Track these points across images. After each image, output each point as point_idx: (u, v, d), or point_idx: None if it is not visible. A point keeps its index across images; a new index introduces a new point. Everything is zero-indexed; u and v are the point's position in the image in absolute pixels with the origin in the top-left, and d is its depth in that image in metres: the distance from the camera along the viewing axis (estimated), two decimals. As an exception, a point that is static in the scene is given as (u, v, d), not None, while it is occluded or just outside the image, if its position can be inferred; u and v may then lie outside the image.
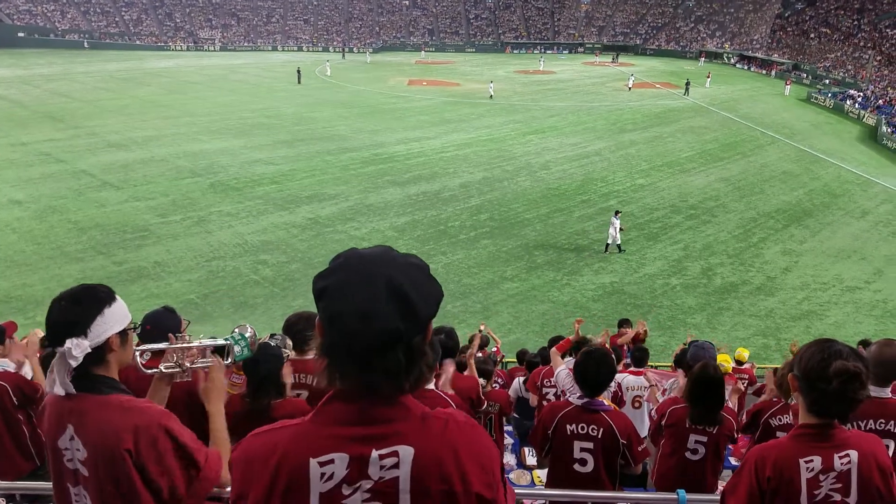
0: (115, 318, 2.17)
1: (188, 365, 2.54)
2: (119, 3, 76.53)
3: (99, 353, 2.13)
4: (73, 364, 2.04)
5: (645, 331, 8.55)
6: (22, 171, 23.06)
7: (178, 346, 2.53)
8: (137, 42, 72.51)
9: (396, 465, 1.32)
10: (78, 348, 2.04)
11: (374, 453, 1.31)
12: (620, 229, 17.09)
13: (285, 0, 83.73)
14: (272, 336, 3.60)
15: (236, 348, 2.65)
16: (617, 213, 17.48)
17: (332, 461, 1.31)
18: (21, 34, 66.97)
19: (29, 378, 4.64)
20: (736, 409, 5.71)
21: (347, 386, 1.34)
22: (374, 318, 1.26)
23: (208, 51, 73.14)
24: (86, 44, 68.73)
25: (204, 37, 76.21)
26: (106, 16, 74.60)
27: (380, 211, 20.20)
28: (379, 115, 35.68)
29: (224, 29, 78.11)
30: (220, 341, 2.64)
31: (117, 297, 2.21)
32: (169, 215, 19.24)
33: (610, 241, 17.21)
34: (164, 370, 2.49)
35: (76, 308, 2.11)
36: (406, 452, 1.31)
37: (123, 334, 2.22)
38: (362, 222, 19.18)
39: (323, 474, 1.31)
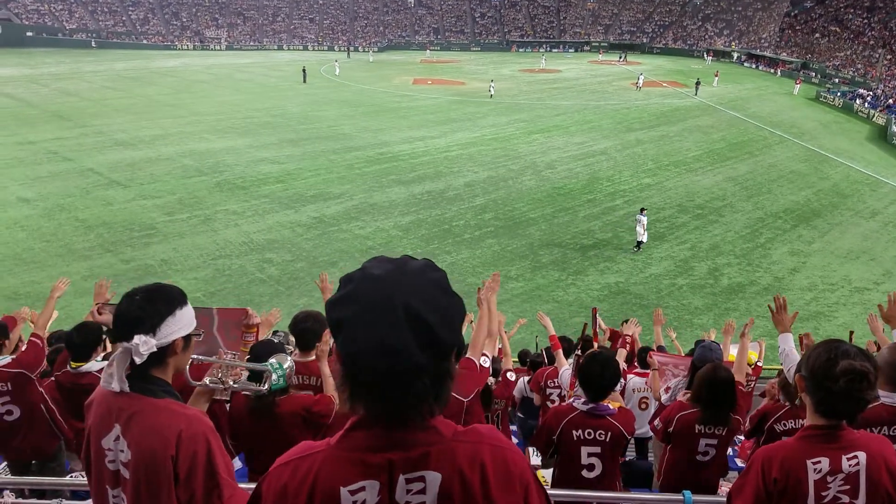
0: (185, 321, 2.15)
1: (231, 383, 2.53)
2: (126, 2, 76.89)
3: (161, 355, 2.09)
4: (138, 361, 2.01)
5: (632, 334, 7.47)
6: (30, 170, 23.21)
7: (226, 362, 2.53)
8: (144, 41, 72.82)
9: (423, 491, 1.29)
10: (145, 345, 2.00)
11: (402, 478, 1.29)
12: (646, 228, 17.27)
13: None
14: (275, 333, 3.62)
15: (273, 376, 2.65)
16: (643, 210, 17.60)
17: (362, 489, 1.29)
18: (29, 33, 67.40)
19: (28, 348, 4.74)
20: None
21: (373, 413, 1.30)
22: (396, 354, 1.21)
23: (214, 50, 73.39)
24: (93, 43, 69.09)
25: (210, 36, 76.46)
26: (113, 15, 74.96)
27: (384, 210, 20.20)
28: (384, 114, 35.70)
29: (230, 28, 78.32)
30: (260, 366, 2.64)
31: (188, 301, 2.19)
32: (175, 214, 19.32)
33: (641, 239, 17.33)
34: (209, 384, 2.47)
35: (149, 305, 2.08)
36: (433, 478, 1.29)
37: (187, 339, 2.19)
38: (367, 221, 19.19)
39: (354, 502, 1.29)
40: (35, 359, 4.62)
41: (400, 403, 1.27)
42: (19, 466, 4.87)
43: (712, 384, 4.08)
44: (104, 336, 4.55)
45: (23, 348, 4.82)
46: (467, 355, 3.76)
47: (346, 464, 1.30)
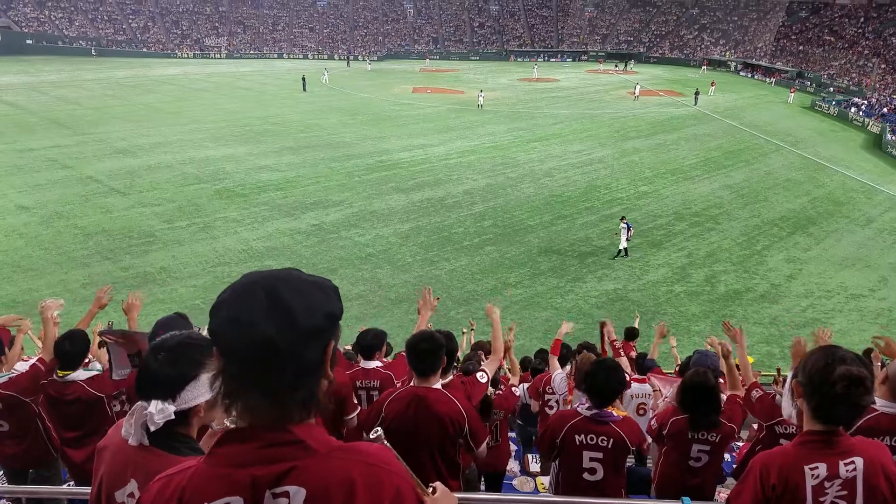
0: (209, 385, 2.08)
1: None
2: (126, 10, 77.16)
3: (182, 417, 1.98)
4: (153, 429, 1.90)
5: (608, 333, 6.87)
6: (29, 177, 23.22)
7: None
8: (144, 49, 73.05)
9: None
10: (161, 414, 1.90)
11: (268, 493, 1.27)
12: (627, 238, 17.35)
13: (291, 8, 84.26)
14: None
15: None
16: (623, 218, 17.84)
17: None
18: (29, 41, 67.57)
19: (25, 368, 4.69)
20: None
21: (240, 416, 1.31)
22: (245, 324, 1.23)
23: (214, 58, 73.64)
24: (93, 51, 69.30)
25: (210, 44, 76.72)
26: (113, 23, 75.19)
27: (384, 217, 20.24)
28: (383, 122, 35.81)
29: (230, 36, 78.60)
30: None
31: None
32: (175, 221, 19.33)
33: (623, 246, 17.44)
34: (229, 425, 2.39)
35: (170, 368, 1.96)
36: (296, 492, 1.27)
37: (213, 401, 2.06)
38: (366, 229, 19.22)
39: None
40: (31, 383, 4.50)
41: (260, 396, 1.27)
42: (16, 475, 4.86)
43: (691, 389, 4.18)
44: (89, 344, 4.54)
45: (25, 364, 4.78)
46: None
47: (213, 479, 1.30)
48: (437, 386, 3.49)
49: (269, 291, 1.26)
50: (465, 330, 9.87)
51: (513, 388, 5.76)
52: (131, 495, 1.96)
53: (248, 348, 1.24)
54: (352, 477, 1.29)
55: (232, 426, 2.38)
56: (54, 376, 4.40)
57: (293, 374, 1.27)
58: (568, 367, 6.37)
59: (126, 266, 16.16)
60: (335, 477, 1.29)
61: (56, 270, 15.75)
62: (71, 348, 4.36)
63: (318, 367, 1.33)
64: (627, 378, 5.20)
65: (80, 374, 4.38)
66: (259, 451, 1.30)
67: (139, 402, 1.94)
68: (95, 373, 4.45)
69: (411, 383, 3.54)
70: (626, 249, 17.50)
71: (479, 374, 4.38)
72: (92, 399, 4.34)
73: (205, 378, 1.99)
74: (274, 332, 1.23)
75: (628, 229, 17.36)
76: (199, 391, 2.00)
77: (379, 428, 2.90)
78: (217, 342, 1.29)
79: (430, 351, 3.41)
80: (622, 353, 6.09)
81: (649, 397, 6.18)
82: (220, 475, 1.30)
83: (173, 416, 1.93)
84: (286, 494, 1.27)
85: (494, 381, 6.07)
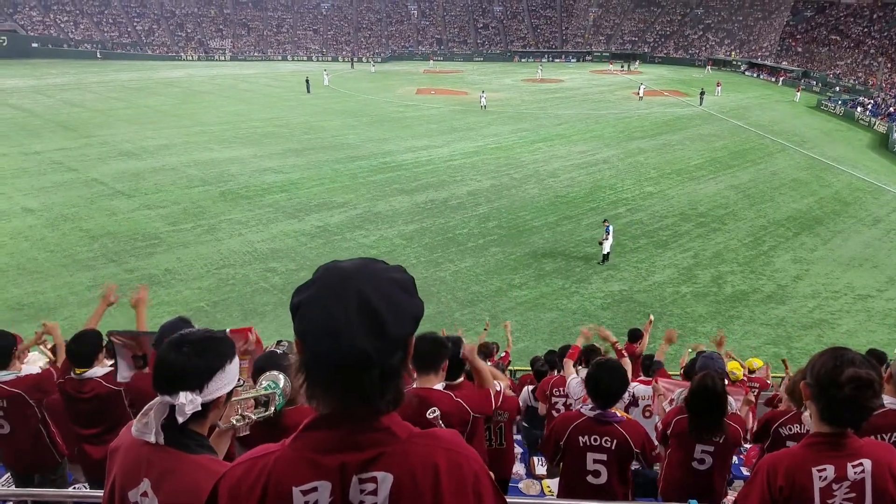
0: (232, 377, 2.03)
1: (252, 417, 2.45)
2: (131, 13, 77.56)
3: (204, 410, 1.96)
4: (181, 420, 1.88)
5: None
6: (35, 180, 23.34)
7: (243, 397, 2.47)
8: (149, 52, 73.41)
9: (374, 492, 1.30)
10: (191, 405, 1.87)
11: (355, 479, 1.29)
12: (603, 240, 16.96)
13: (295, 10, 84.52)
14: (279, 343, 3.61)
15: (278, 399, 2.62)
16: (605, 221, 17.48)
17: (315, 489, 1.30)
18: (35, 45, 67.99)
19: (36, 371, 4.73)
20: (749, 421, 5.67)
21: (325, 406, 1.32)
22: (340, 336, 1.23)
23: (219, 60, 73.90)
24: (98, 54, 69.61)
25: (214, 47, 77.02)
26: (118, 26, 75.59)
27: (388, 219, 20.25)
28: (387, 123, 35.85)
29: (234, 39, 78.89)
30: (262, 391, 2.62)
31: (235, 351, 2.09)
32: (179, 223, 19.39)
33: (606, 251, 17.01)
34: (235, 423, 2.37)
35: (200, 360, 1.94)
36: (384, 478, 1.29)
37: (230, 393, 2.08)
38: (371, 230, 19.24)
39: (306, 502, 1.30)
40: (38, 384, 4.56)
41: (349, 395, 1.29)
42: (22, 479, 4.87)
43: (697, 392, 4.17)
44: (104, 344, 4.55)
45: (37, 368, 4.82)
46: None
47: (300, 464, 1.31)
48: (439, 387, 3.51)
49: (358, 296, 1.26)
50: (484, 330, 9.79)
51: (507, 390, 5.71)
52: (144, 494, 1.94)
53: (340, 359, 1.25)
54: (436, 461, 1.32)
55: (239, 425, 2.39)
56: (72, 374, 4.44)
57: (380, 378, 1.29)
58: (584, 372, 6.35)
59: (131, 268, 16.22)
60: (421, 462, 1.31)
61: (61, 273, 15.81)
62: (77, 349, 4.40)
63: (403, 367, 1.35)
64: (630, 379, 5.19)
65: (97, 371, 4.43)
66: (347, 438, 1.31)
67: (159, 398, 1.91)
68: (110, 369, 4.47)
69: (413, 385, 3.55)
70: (607, 255, 17.03)
71: (495, 383, 4.34)
72: (109, 393, 4.37)
73: (229, 368, 2.01)
74: (368, 345, 1.23)
75: (607, 233, 16.85)
76: (223, 382, 2.00)
77: (436, 408, 2.88)
78: (305, 346, 1.29)
79: (428, 352, 3.42)
80: (624, 355, 6.05)
81: (650, 400, 6.16)
82: (307, 460, 1.32)
83: (200, 408, 1.92)
84: (374, 480, 1.30)
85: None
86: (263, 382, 2.71)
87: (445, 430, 1.44)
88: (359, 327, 1.23)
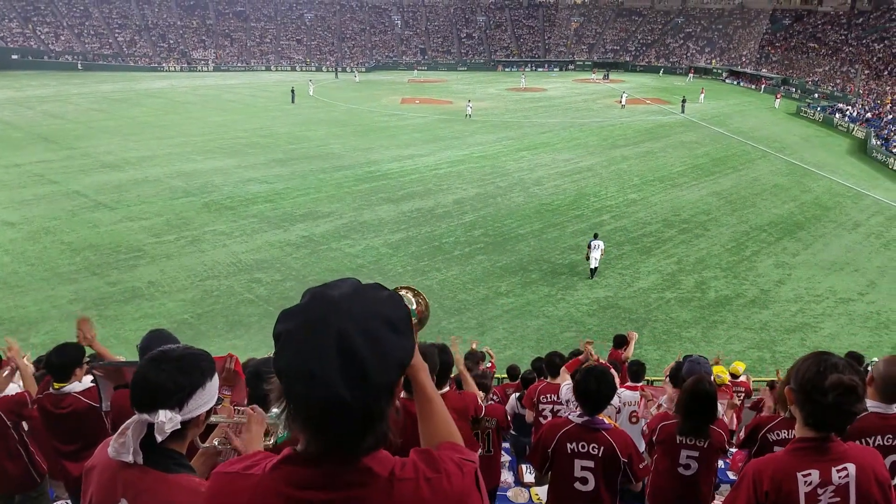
0: (211, 395, 2.00)
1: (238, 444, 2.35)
2: (113, 25, 76.99)
3: (182, 429, 1.92)
4: (160, 438, 1.84)
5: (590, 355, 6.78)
6: (15, 193, 23.01)
7: (235, 420, 2.37)
8: (131, 63, 72.80)
9: None
10: (170, 423, 1.84)
11: None
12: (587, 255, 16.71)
13: (278, 21, 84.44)
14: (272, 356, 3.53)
15: (280, 430, 2.47)
16: (596, 235, 17.15)
17: None
18: (15, 56, 67.17)
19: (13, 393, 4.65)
20: (733, 424, 5.72)
21: (303, 442, 1.27)
22: (315, 380, 1.14)
23: (201, 71, 73.48)
24: (79, 65, 68.93)
25: (197, 57, 76.61)
26: (99, 37, 74.96)
27: (374, 228, 20.21)
28: (373, 133, 35.86)
29: (217, 49, 78.57)
30: (268, 419, 2.45)
31: (215, 368, 2.05)
32: (163, 235, 19.19)
33: (594, 266, 16.68)
34: (218, 446, 2.27)
35: (181, 377, 1.90)
36: None
37: (209, 411, 2.05)
38: (357, 239, 19.18)
39: None
40: (12, 406, 4.51)
41: (325, 437, 1.22)
42: (3, 500, 4.78)
43: (694, 395, 4.21)
44: (86, 359, 4.49)
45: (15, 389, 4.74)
46: None
47: (272, 496, 1.27)
48: None
49: (340, 337, 1.16)
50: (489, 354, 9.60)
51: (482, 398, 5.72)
52: None
53: (317, 403, 1.17)
54: (422, 496, 1.27)
55: (222, 448, 2.32)
56: (50, 389, 4.39)
57: (362, 422, 1.20)
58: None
59: (114, 281, 16.01)
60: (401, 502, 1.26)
61: (43, 286, 15.56)
62: (58, 360, 4.36)
63: (387, 411, 1.25)
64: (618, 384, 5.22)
65: (75, 386, 4.38)
66: (322, 477, 1.26)
67: (137, 416, 1.87)
68: (91, 385, 4.41)
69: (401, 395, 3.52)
70: (594, 270, 16.73)
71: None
72: (86, 409, 4.32)
73: (209, 385, 1.97)
74: (346, 393, 1.14)
75: (589, 246, 16.53)
76: (203, 400, 1.96)
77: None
78: (282, 383, 1.22)
79: None
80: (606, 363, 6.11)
81: (637, 405, 6.19)
82: (279, 492, 1.27)
83: (179, 426, 1.88)
84: None
85: (486, 388, 6.07)
86: (273, 409, 2.61)
87: (428, 453, 1.37)
88: (336, 373, 1.14)
